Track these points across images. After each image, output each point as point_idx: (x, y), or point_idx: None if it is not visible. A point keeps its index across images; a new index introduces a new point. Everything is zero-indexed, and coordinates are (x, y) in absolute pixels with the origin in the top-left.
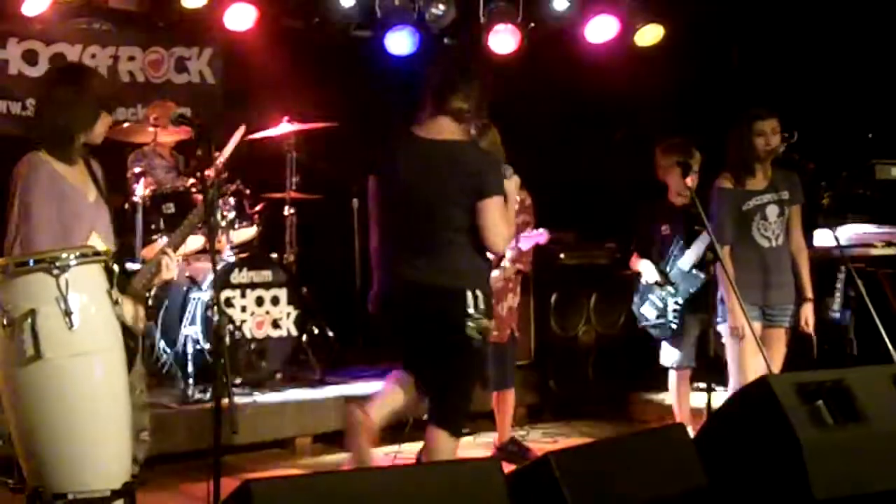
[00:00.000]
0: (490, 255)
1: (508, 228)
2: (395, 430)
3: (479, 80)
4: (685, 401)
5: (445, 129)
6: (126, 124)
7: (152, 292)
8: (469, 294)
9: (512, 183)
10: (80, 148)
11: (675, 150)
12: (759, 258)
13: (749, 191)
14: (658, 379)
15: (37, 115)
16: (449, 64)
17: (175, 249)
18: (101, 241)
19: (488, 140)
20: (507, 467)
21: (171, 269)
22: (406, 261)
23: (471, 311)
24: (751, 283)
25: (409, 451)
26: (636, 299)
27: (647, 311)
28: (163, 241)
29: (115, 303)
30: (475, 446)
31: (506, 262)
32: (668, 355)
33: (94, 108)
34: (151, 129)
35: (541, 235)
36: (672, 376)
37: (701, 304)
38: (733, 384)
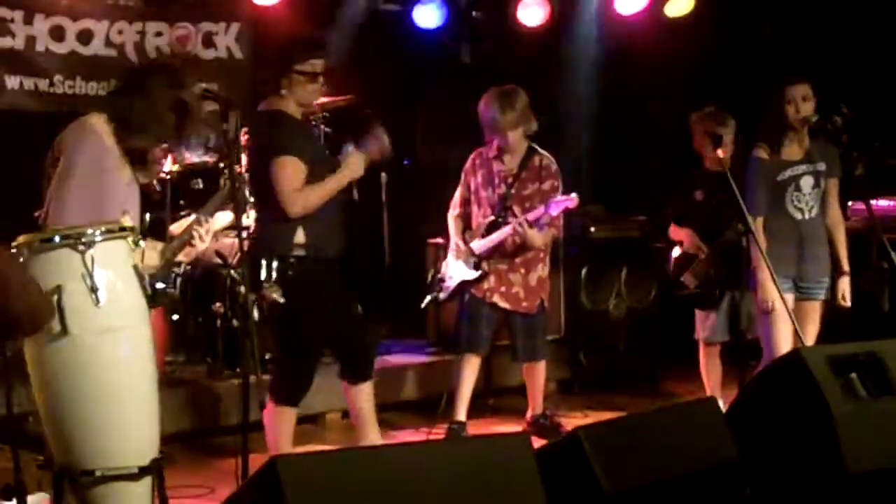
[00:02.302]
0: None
1: (299, 192)
2: (428, 409)
3: (282, 51)
4: (714, 374)
5: (267, 103)
6: None
7: (181, 269)
8: (263, 263)
9: (354, 157)
10: None
11: (709, 119)
12: (793, 230)
13: (785, 161)
14: (689, 353)
15: (132, 102)
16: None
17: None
18: (132, 222)
19: (522, 104)
20: (538, 442)
21: (205, 239)
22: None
23: (262, 278)
24: (784, 256)
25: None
26: (673, 266)
27: (689, 280)
28: (191, 217)
29: (142, 279)
30: (505, 421)
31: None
32: (702, 328)
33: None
34: None
35: (570, 200)
36: (701, 349)
37: (733, 278)
38: (766, 357)
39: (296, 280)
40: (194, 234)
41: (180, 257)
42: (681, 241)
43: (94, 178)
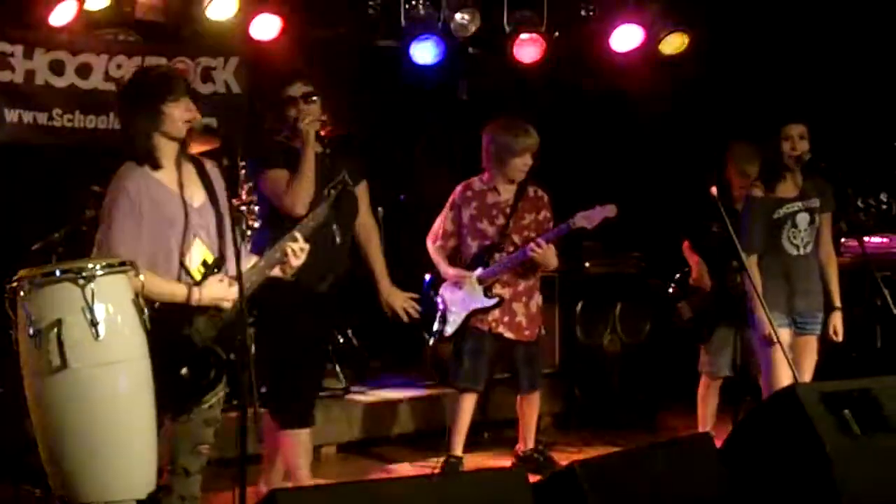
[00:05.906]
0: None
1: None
2: (424, 443)
3: (276, 104)
4: (710, 406)
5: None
6: None
7: None
8: None
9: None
10: (170, 148)
11: (742, 155)
12: (786, 266)
13: (780, 199)
14: (684, 388)
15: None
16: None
17: (305, 239)
18: (205, 247)
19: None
20: (532, 477)
21: (299, 255)
22: None
23: None
24: (778, 292)
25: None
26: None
27: (684, 310)
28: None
29: (142, 312)
30: (501, 455)
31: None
32: (707, 362)
33: (151, 103)
34: None
35: (608, 209)
36: (702, 380)
37: (735, 314)
38: (766, 393)
39: (272, 301)
40: (288, 250)
41: (276, 272)
42: (690, 266)
43: (138, 215)
